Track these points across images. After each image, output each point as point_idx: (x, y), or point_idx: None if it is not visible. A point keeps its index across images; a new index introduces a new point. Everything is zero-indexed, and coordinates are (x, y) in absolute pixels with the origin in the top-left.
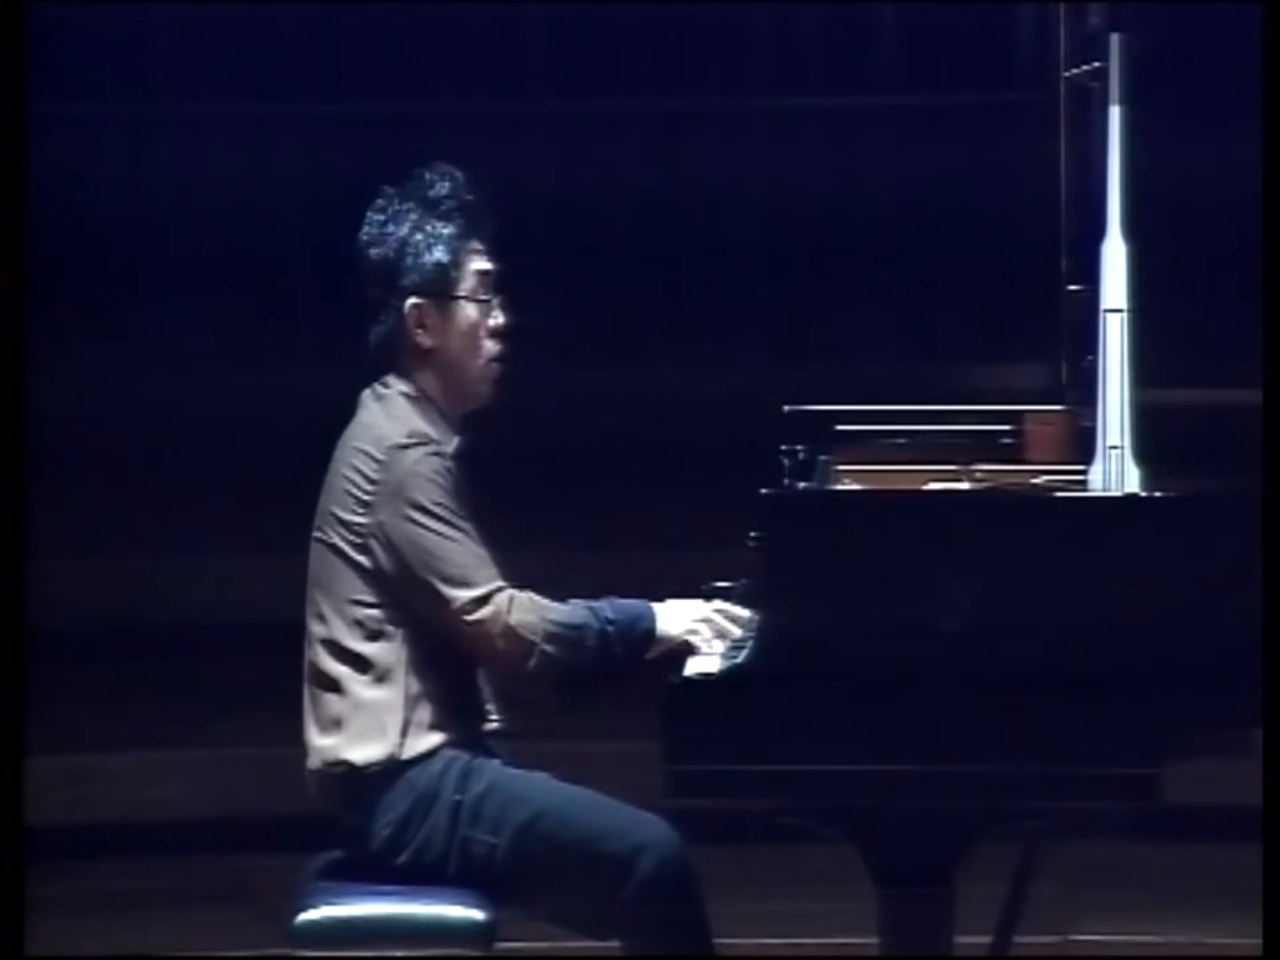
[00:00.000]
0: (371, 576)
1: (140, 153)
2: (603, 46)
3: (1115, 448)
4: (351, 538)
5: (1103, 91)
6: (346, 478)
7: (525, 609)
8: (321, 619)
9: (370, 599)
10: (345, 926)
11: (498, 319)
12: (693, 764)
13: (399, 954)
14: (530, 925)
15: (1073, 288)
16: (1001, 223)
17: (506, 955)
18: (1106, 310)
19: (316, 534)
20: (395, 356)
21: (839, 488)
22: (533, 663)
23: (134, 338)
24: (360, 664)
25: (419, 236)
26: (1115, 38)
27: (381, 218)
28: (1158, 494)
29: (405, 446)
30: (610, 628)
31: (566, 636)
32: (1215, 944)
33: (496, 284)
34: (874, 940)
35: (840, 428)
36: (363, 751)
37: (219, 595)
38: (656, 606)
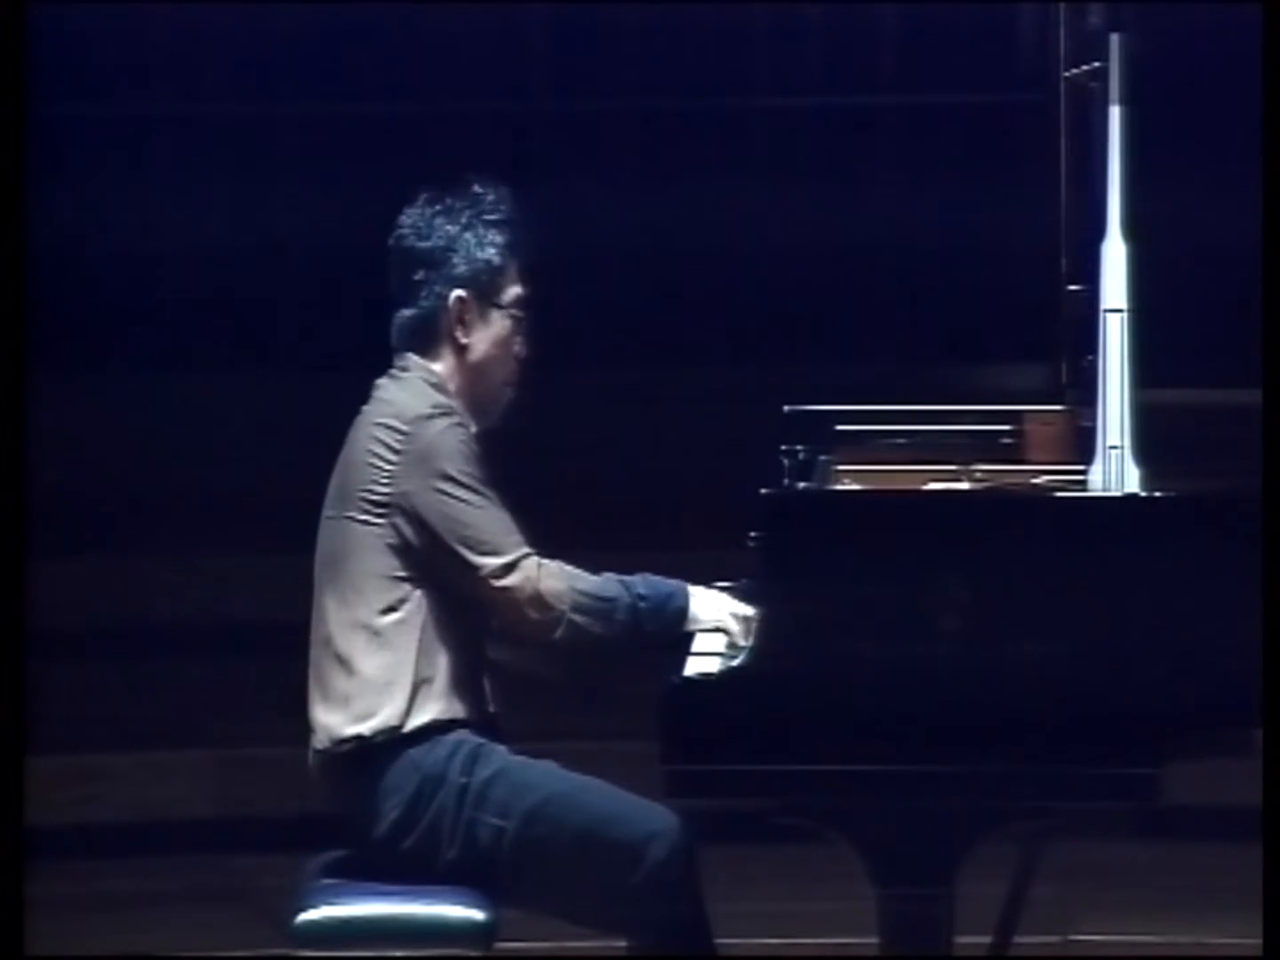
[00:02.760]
0: (394, 549)
1: (141, 154)
2: (602, 47)
3: (1115, 448)
4: (374, 510)
5: (1103, 91)
6: (369, 451)
7: (555, 577)
8: (337, 594)
9: (390, 572)
10: (345, 926)
11: (520, 345)
12: (693, 764)
13: (399, 954)
14: (531, 925)
15: (1073, 288)
16: (1001, 223)
17: (506, 955)
18: (1106, 310)
19: (329, 513)
20: (425, 343)
21: (839, 488)
22: (560, 632)
23: (134, 342)
24: (373, 638)
25: (470, 235)
26: (1115, 38)
27: (430, 210)
28: (1158, 494)
29: (430, 417)
30: (642, 603)
31: (596, 608)
32: (1215, 944)
33: (523, 311)
34: (874, 940)
35: (840, 428)
36: (369, 723)
37: (219, 595)
38: (691, 589)
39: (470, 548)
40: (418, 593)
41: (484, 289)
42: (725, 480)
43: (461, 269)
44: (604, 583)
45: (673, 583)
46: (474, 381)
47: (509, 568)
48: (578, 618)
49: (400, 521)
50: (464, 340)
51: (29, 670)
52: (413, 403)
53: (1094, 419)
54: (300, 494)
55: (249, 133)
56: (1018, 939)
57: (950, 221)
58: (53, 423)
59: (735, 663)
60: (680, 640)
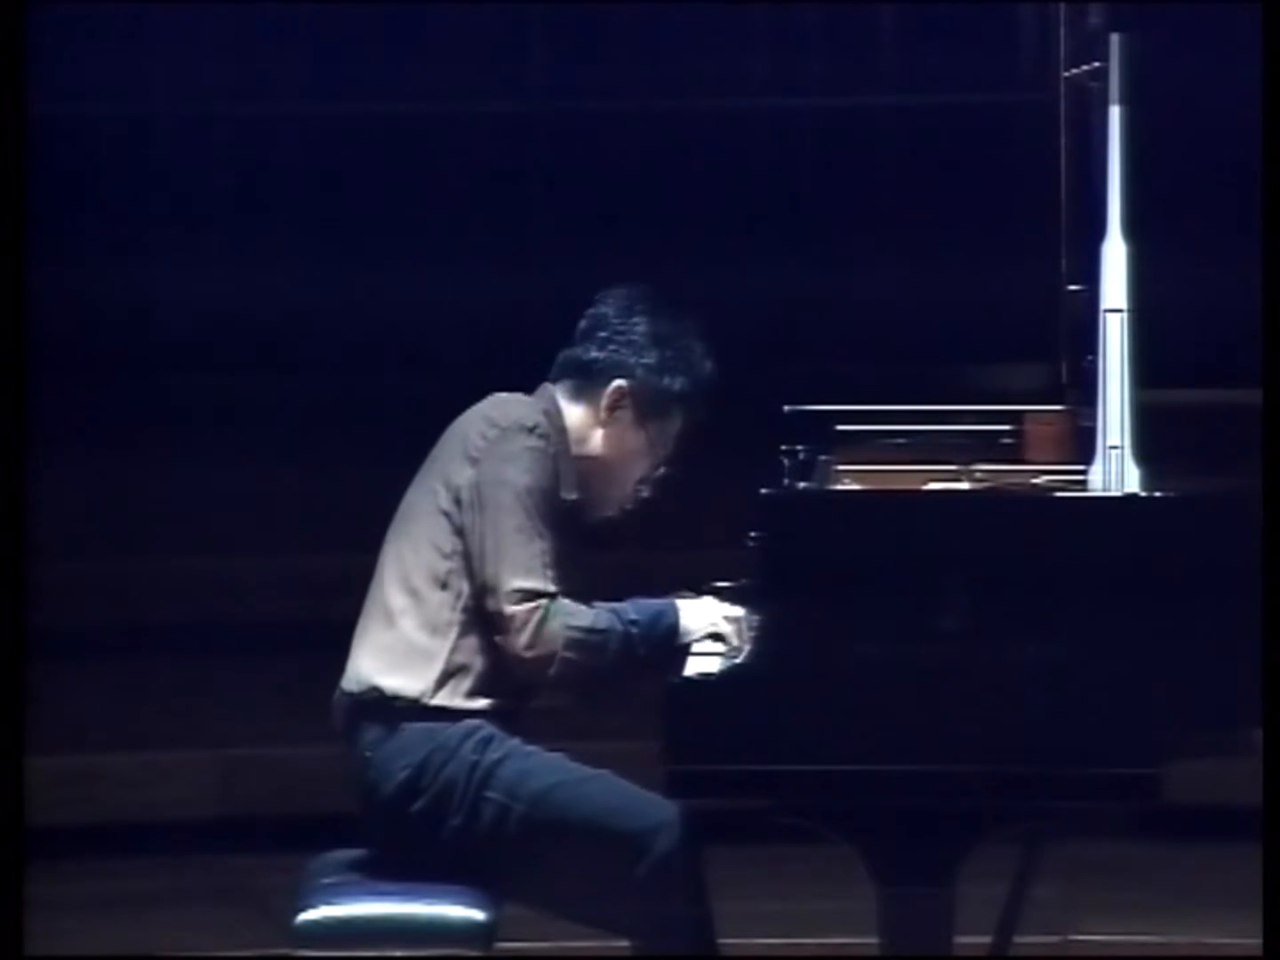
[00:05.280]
0: (451, 526)
1: (141, 153)
2: (602, 47)
3: (1115, 448)
4: (450, 482)
5: (1103, 91)
6: (465, 434)
7: (554, 616)
8: (398, 550)
9: (445, 547)
10: (345, 926)
11: (647, 486)
12: (693, 764)
13: (399, 954)
14: (531, 925)
15: (1073, 288)
16: (1001, 222)
17: (506, 955)
18: (1106, 310)
19: (419, 476)
20: (570, 389)
21: (839, 488)
22: (553, 670)
23: (135, 339)
24: (419, 605)
25: (660, 354)
26: (1115, 38)
27: (642, 305)
28: (1158, 494)
29: (529, 430)
30: (634, 629)
31: (590, 642)
32: (1215, 944)
33: (666, 459)
34: (874, 940)
35: (840, 428)
36: (394, 682)
37: (219, 595)
38: (679, 602)
39: (501, 560)
40: (465, 581)
41: (647, 403)
42: (724, 479)
43: (639, 371)
44: (596, 615)
45: (661, 601)
46: (591, 468)
47: (523, 597)
48: (571, 654)
49: (464, 501)
50: (604, 428)
51: (29, 670)
52: (520, 412)
53: (1094, 419)
54: (300, 498)
55: (252, 134)
56: (1018, 939)
57: (950, 221)
58: (51, 419)
59: (735, 661)
60: (674, 655)
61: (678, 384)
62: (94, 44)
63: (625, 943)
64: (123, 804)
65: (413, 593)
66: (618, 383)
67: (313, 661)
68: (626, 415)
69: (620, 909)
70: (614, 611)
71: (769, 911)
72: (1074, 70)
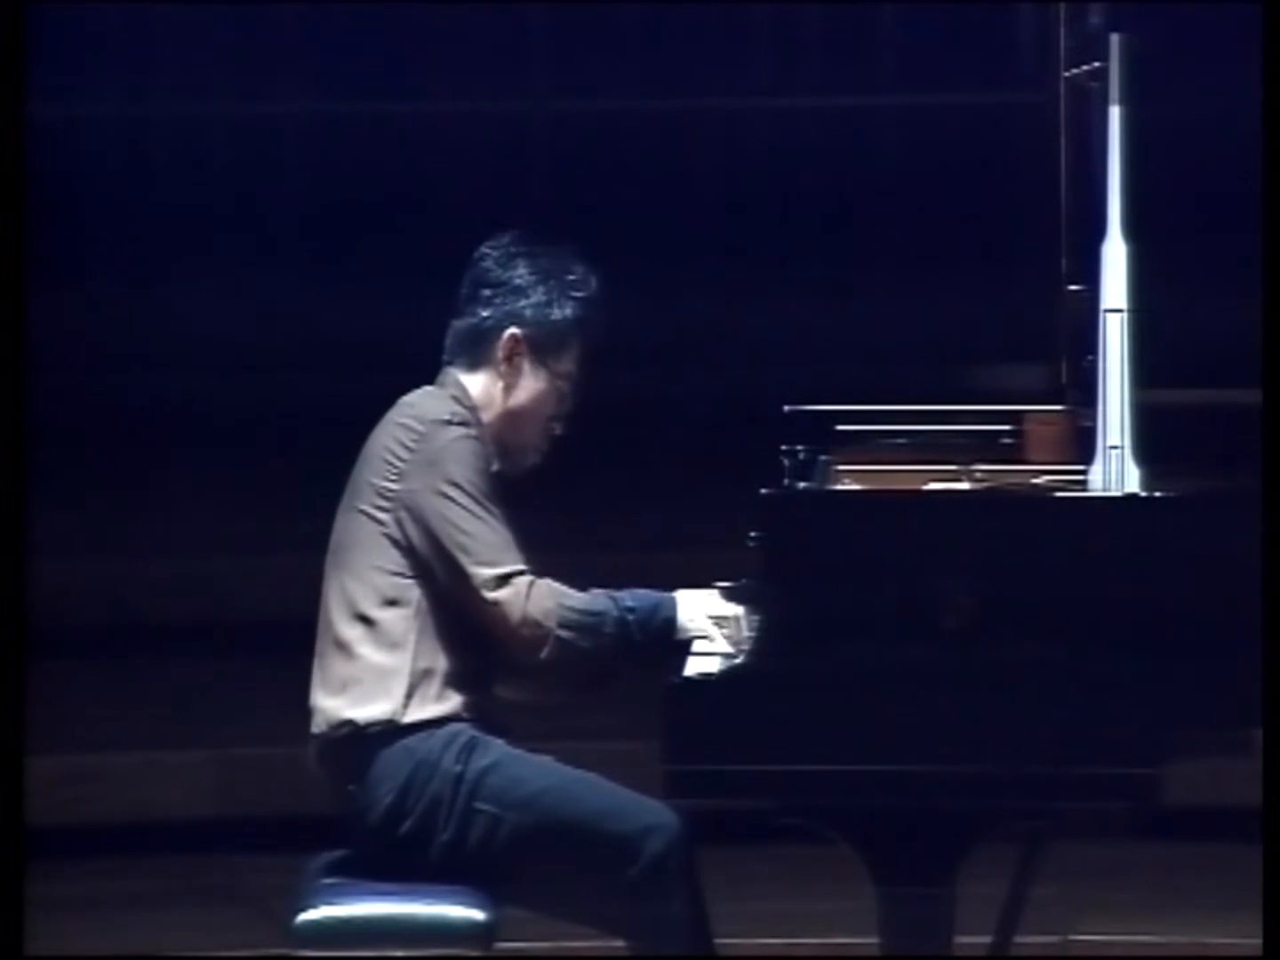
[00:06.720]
0: (395, 545)
1: (141, 154)
2: (602, 46)
3: (1115, 448)
4: (381, 503)
5: (1103, 91)
6: (385, 447)
7: (544, 595)
8: (340, 583)
9: (391, 567)
10: (345, 926)
11: (557, 421)
12: (693, 764)
13: (399, 954)
14: (531, 925)
15: (1073, 288)
16: (1001, 223)
17: (506, 955)
18: (1106, 310)
19: (344, 503)
20: (468, 361)
21: (839, 488)
22: (547, 651)
23: (137, 330)
24: (372, 629)
25: (545, 289)
26: (1115, 38)
27: (517, 248)
28: (1158, 494)
29: (448, 423)
30: (630, 615)
31: (584, 623)
32: (1215, 944)
33: (570, 390)
34: (874, 940)
35: (840, 428)
36: (365, 710)
37: (219, 595)
38: (678, 596)
39: (466, 556)
40: (417, 590)
41: (540, 343)
42: (724, 480)
43: (527, 312)
44: (592, 599)
45: (659, 593)
46: (502, 424)
47: (501, 581)
48: (565, 634)
49: (404, 518)
50: (504, 380)
51: (29, 670)
52: (434, 408)
53: (1094, 419)
54: (304, 496)
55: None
56: (1018, 939)
57: (950, 221)
58: (51, 418)
59: (734, 662)
60: (669, 649)
61: (568, 311)
62: (94, 44)
63: (623, 943)
64: (123, 804)
65: (363, 619)
66: (509, 332)
67: (312, 662)
68: (524, 361)
69: (616, 910)
70: (611, 597)
71: (769, 911)
72: (1074, 70)
